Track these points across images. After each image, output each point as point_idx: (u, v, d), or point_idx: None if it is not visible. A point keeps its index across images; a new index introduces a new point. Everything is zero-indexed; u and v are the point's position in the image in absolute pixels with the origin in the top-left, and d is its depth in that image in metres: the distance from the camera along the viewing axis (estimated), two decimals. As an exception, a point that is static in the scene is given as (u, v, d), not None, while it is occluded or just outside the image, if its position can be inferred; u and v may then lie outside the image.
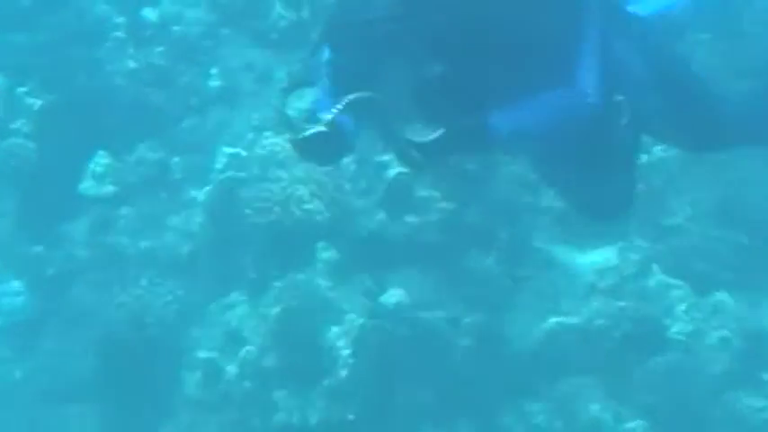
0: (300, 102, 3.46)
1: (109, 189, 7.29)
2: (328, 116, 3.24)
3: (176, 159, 7.43)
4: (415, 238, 6.47)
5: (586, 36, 3.41)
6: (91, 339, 6.85)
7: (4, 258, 7.29)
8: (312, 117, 3.31)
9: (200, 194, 7.14)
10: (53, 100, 7.44)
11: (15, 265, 7.28)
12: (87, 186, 7.32)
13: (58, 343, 7.08)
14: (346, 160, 6.36)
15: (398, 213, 6.56)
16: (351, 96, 3.20)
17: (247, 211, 6.68)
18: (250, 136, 7.20)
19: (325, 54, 3.38)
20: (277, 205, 6.58)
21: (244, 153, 7.07)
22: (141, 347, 6.75)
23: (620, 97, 3.42)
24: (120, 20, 7.69)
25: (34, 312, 7.19)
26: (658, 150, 6.35)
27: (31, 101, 7.47)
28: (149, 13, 7.73)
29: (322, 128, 3.25)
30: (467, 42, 3.30)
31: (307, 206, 6.55)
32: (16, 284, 7.24)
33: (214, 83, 7.60)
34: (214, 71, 7.62)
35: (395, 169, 6.50)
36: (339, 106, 3.20)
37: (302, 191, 6.57)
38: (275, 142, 6.84)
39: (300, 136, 3.28)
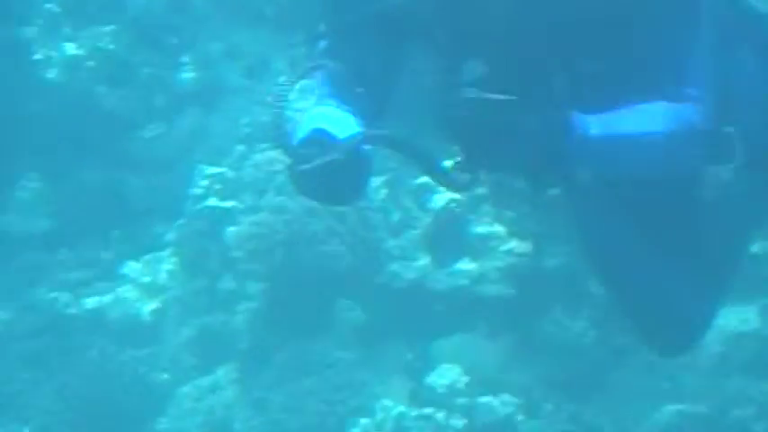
0: (305, 101, 3.10)
1: (41, 224, 6.96)
2: (335, 142, 2.86)
3: (135, 182, 7.11)
4: (472, 293, 6.20)
5: (697, 34, 3.01)
6: (23, 435, 6.72)
7: None
8: (312, 136, 2.88)
9: (170, 232, 6.84)
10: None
11: None
12: (11, 221, 6.97)
13: (-25, 439, 6.87)
14: (375, 183, 6.15)
15: (448, 258, 6.32)
16: (366, 131, 2.84)
17: (237, 254, 6.36)
18: (239, 149, 6.84)
19: (325, 44, 3.05)
20: (279, 246, 6.22)
21: (230, 173, 6.74)
22: (92, 445, 6.64)
23: (730, 129, 2.99)
24: (54, -12, 7.56)
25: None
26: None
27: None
28: (94, -21, 7.63)
29: (329, 156, 2.85)
30: (517, 33, 2.94)
31: (322, 248, 6.22)
32: None
33: (187, 75, 7.21)
34: (186, 59, 7.23)
35: (442, 195, 6.28)
36: (349, 140, 2.86)
37: (315, 225, 6.25)
38: (274, 157, 6.45)
39: (300, 168, 2.87)
